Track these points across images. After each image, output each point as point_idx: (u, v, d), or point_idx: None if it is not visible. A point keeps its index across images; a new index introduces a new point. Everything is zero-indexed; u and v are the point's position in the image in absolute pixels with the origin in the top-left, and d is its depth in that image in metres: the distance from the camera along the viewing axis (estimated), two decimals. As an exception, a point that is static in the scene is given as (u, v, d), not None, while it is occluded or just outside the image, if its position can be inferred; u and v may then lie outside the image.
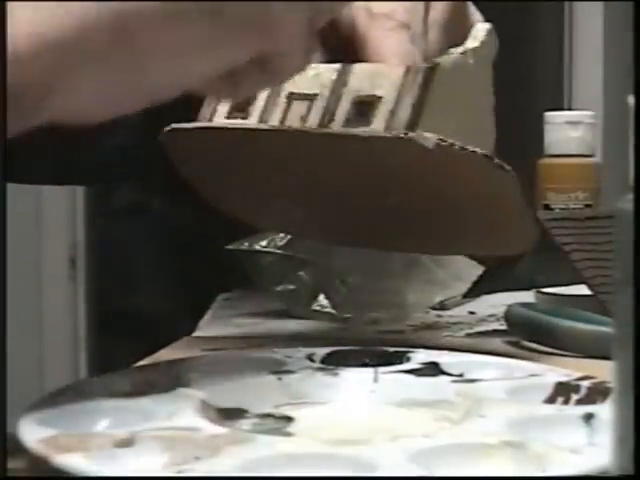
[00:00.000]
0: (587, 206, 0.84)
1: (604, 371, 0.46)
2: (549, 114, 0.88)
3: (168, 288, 2.47)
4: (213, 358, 0.49)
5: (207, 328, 0.70)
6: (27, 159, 0.63)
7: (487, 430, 0.37)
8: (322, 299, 0.71)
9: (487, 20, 0.56)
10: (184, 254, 2.34)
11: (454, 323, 0.69)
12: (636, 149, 0.27)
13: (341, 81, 0.50)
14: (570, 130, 0.85)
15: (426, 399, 0.43)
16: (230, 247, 0.73)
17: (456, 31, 0.54)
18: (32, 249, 2.22)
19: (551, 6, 2.23)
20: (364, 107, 0.49)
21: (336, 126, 0.49)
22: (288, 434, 0.39)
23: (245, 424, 0.40)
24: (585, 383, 0.43)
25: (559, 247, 0.62)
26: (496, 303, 0.73)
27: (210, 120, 0.51)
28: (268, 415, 0.41)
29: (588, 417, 0.38)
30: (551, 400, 0.42)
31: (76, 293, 2.31)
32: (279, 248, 0.72)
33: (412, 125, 0.48)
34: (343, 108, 0.49)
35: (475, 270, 0.75)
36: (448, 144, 0.47)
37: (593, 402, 0.41)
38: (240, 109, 0.51)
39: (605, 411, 0.37)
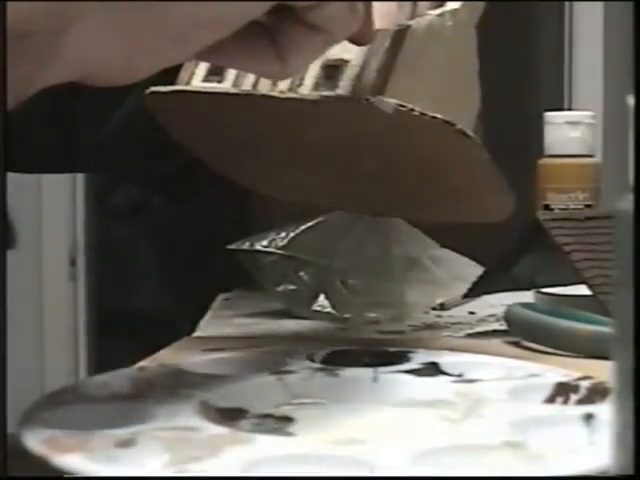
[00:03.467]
0: (587, 206, 0.83)
1: (604, 371, 0.46)
2: (549, 114, 0.88)
3: (168, 288, 2.48)
4: (213, 358, 0.49)
5: (207, 328, 0.70)
6: (27, 145, 0.62)
7: (487, 430, 0.37)
8: (322, 299, 0.71)
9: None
10: (184, 254, 2.34)
11: (454, 323, 0.69)
12: (636, 149, 0.27)
13: None
14: (570, 130, 0.85)
15: (426, 399, 0.43)
16: (231, 247, 0.73)
17: None
18: (32, 249, 2.22)
19: (551, 6, 2.23)
20: (332, 71, 0.49)
21: (305, 90, 0.49)
22: (288, 434, 0.39)
23: (245, 424, 0.40)
24: (585, 383, 0.43)
25: (559, 247, 0.62)
26: (496, 303, 0.73)
27: (188, 83, 0.51)
28: (268, 415, 0.41)
29: (588, 417, 0.38)
30: (551, 400, 0.42)
31: (76, 293, 2.31)
32: (280, 248, 0.72)
33: (377, 89, 0.47)
34: (312, 72, 0.49)
35: (475, 270, 0.74)
36: (407, 109, 0.47)
37: (593, 402, 0.41)
38: (216, 72, 0.51)
39: (605, 411, 0.37)
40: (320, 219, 0.74)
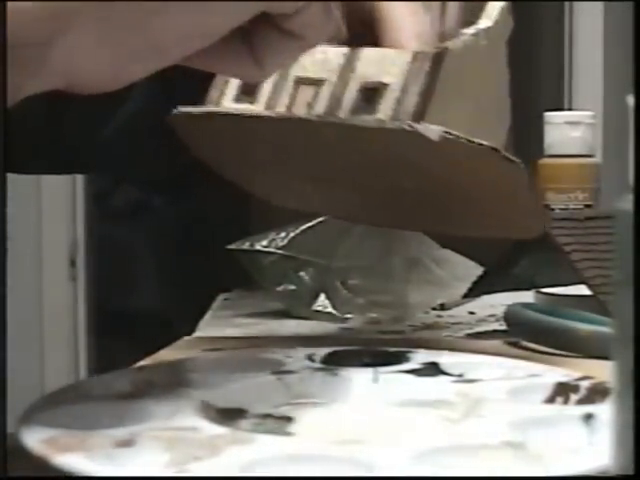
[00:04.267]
0: (587, 206, 0.84)
1: (604, 371, 0.46)
2: (549, 114, 0.88)
3: (168, 288, 2.48)
4: (213, 358, 0.49)
5: (207, 328, 0.70)
6: (26, 146, 0.62)
7: (487, 430, 0.37)
8: (322, 299, 0.71)
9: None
10: (184, 254, 2.34)
11: (454, 323, 0.69)
12: (636, 149, 0.27)
13: (349, 66, 0.49)
14: (570, 130, 0.85)
15: (426, 399, 0.43)
16: (231, 247, 0.73)
17: (473, 7, 0.52)
18: (32, 249, 2.22)
19: (551, 6, 2.23)
20: (371, 94, 0.48)
21: (342, 113, 0.48)
22: (288, 434, 0.39)
23: (245, 424, 0.40)
24: (585, 383, 0.43)
25: (559, 247, 0.62)
26: (496, 303, 0.73)
27: (218, 103, 0.51)
28: (268, 415, 0.41)
29: (588, 417, 0.38)
30: (551, 400, 0.42)
31: (76, 293, 2.31)
32: (280, 248, 0.73)
33: (419, 114, 0.47)
34: (350, 95, 0.48)
35: (475, 270, 0.75)
36: (454, 137, 0.47)
37: (593, 402, 0.41)
38: (248, 92, 0.50)
39: (605, 411, 0.37)
40: (320, 219, 0.74)
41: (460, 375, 0.46)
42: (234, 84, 0.51)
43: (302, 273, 0.72)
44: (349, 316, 0.70)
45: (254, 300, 0.78)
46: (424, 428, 0.40)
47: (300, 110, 0.49)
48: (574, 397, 0.42)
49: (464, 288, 0.75)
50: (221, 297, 0.85)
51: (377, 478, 0.33)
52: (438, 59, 0.48)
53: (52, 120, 0.63)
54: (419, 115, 0.47)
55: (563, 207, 0.84)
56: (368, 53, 0.49)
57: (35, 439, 0.35)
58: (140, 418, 0.38)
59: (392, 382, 0.45)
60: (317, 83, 0.49)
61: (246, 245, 0.73)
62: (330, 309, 0.71)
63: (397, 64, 0.48)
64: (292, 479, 0.33)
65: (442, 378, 0.46)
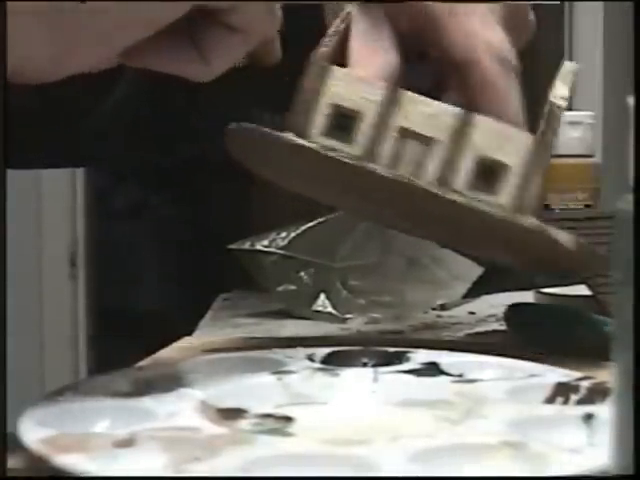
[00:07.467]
0: (587, 206, 0.83)
1: (604, 371, 0.46)
2: (549, 114, 0.87)
3: (168, 288, 2.48)
4: (213, 358, 0.49)
5: (207, 328, 0.70)
6: (24, 141, 0.62)
7: (487, 430, 0.37)
8: (322, 299, 0.71)
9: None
10: (184, 254, 2.34)
11: (454, 323, 0.69)
12: (636, 149, 0.27)
13: (463, 132, 0.47)
14: (570, 130, 0.85)
15: (426, 399, 0.43)
16: (232, 247, 0.73)
17: (517, 32, 0.52)
18: (32, 249, 2.22)
19: (551, 6, 2.23)
20: (489, 172, 0.47)
21: (458, 185, 0.47)
22: (288, 434, 0.39)
23: (245, 424, 0.40)
24: (585, 383, 0.43)
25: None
26: (496, 303, 0.73)
27: (304, 134, 0.48)
28: (268, 415, 0.41)
29: (588, 417, 0.38)
30: (551, 400, 0.42)
31: (76, 293, 2.31)
32: (280, 248, 0.73)
33: (538, 210, 0.47)
34: (466, 167, 0.47)
35: (475, 270, 0.75)
36: (585, 243, 0.48)
37: (593, 402, 0.41)
38: (342, 127, 0.48)
39: (605, 411, 0.37)
40: (321, 219, 0.74)
41: (460, 375, 0.46)
42: (322, 109, 0.48)
43: (302, 273, 0.72)
44: (349, 316, 0.70)
45: (254, 300, 0.78)
46: (424, 428, 0.40)
47: (407, 168, 0.47)
48: (574, 397, 0.42)
49: (464, 288, 0.75)
50: (221, 297, 0.85)
51: (377, 478, 0.33)
52: (552, 142, 0.48)
53: (46, 111, 0.62)
54: (537, 212, 0.47)
55: (563, 207, 0.84)
56: (484, 124, 0.48)
57: (35, 439, 0.35)
58: (140, 418, 0.38)
59: (392, 382, 0.45)
60: (425, 141, 0.48)
61: (247, 245, 0.73)
62: (330, 309, 0.71)
63: (515, 144, 0.47)
64: (292, 479, 0.33)
65: (442, 378, 0.46)
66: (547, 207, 0.84)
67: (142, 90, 0.60)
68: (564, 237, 0.48)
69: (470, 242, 0.56)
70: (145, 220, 2.51)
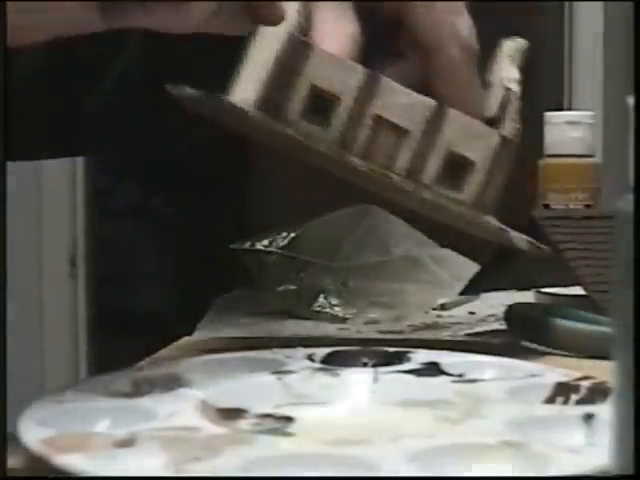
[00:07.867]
0: (587, 206, 0.83)
1: (604, 371, 0.46)
2: (549, 114, 0.88)
3: (168, 288, 2.48)
4: (213, 358, 0.49)
5: (207, 328, 0.70)
6: (26, 131, 0.62)
7: (487, 430, 0.37)
8: (323, 299, 0.71)
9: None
10: (184, 254, 2.34)
11: (454, 323, 0.69)
12: (636, 149, 0.27)
13: (435, 125, 0.48)
14: (570, 130, 0.85)
15: (426, 399, 0.43)
16: (232, 246, 0.73)
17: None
18: (32, 249, 2.22)
19: (551, 6, 2.23)
20: (455, 167, 0.48)
21: (426, 179, 0.48)
22: (288, 434, 0.39)
23: (245, 424, 0.40)
24: (585, 383, 0.43)
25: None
26: (496, 303, 0.73)
27: (280, 114, 0.47)
28: (268, 415, 0.41)
29: (588, 417, 0.38)
30: (551, 400, 0.42)
31: (76, 292, 2.31)
32: (281, 248, 0.73)
33: (491, 209, 0.48)
34: (434, 162, 0.48)
35: (475, 270, 0.75)
36: (536, 245, 0.50)
37: (593, 402, 0.41)
38: (318, 109, 0.48)
39: (605, 411, 0.37)
40: (321, 219, 0.74)
41: (460, 375, 0.46)
42: (300, 89, 0.48)
43: (302, 273, 0.72)
44: (349, 316, 0.70)
45: (254, 300, 0.78)
46: (424, 428, 0.40)
47: (379, 159, 0.48)
48: (574, 397, 0.42)
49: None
50: (221, 297, 0.85)
51: (377, 478, 0.33)
52: (513, 148, 0.48)
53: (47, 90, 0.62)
54: (492, 211, 0.48)
55: (563, 207, 0.84)
56: (456, 118, 0.48)
57: (35, 439, 0.35)
58: (140, 418, 0.38)
59: (392, 382, 0.45)
60: (399, 133, 0.48)
61: (247, 245, 0.73)
62: (330, 309, 0.71)
63: (485, 144, 0.48)
64: (292, 479, 0.33)
65: (442, 378, 0.46)
66: (547, 207, 0.84)
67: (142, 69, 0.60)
68: (521, 241, 0.49)
69: (431, 227, 0.57)
70: (145, 220, 2.51)
